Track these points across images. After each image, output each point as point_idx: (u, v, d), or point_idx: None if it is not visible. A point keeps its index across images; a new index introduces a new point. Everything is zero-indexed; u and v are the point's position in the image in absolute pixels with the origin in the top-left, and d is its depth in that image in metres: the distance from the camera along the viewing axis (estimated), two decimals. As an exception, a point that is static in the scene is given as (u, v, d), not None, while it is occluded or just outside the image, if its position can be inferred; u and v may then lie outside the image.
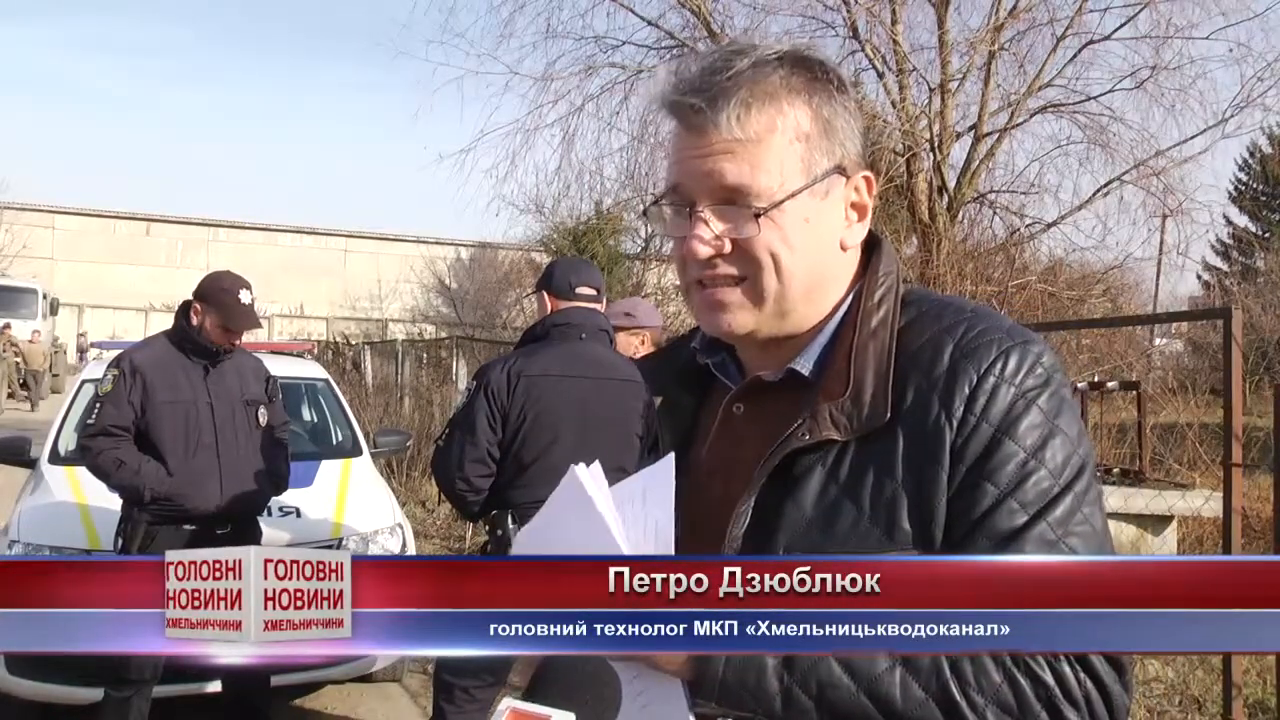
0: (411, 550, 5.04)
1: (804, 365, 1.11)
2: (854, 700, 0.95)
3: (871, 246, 1.16)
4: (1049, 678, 0.95)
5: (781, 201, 1.05)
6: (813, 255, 1.08)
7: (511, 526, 3.21)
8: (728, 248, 1.07)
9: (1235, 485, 3.30)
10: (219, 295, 3.85)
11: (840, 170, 1.09)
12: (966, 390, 1.01)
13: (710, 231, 1.06)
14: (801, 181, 1.06)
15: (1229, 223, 29.73)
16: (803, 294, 1.09)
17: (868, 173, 1.13)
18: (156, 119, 75.97)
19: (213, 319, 3.87)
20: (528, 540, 1.13)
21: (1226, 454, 3.33)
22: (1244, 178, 32.22)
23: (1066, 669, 0.95)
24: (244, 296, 3.87)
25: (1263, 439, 5.00)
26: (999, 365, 1.02)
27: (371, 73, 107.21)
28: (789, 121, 1.06)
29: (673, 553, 1.02)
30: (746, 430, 1.14)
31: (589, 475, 1.06)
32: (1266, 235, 27.66)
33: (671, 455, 1.08)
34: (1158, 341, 13.25)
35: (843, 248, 1.12)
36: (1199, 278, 26.24)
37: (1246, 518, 4.46)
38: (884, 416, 1.03)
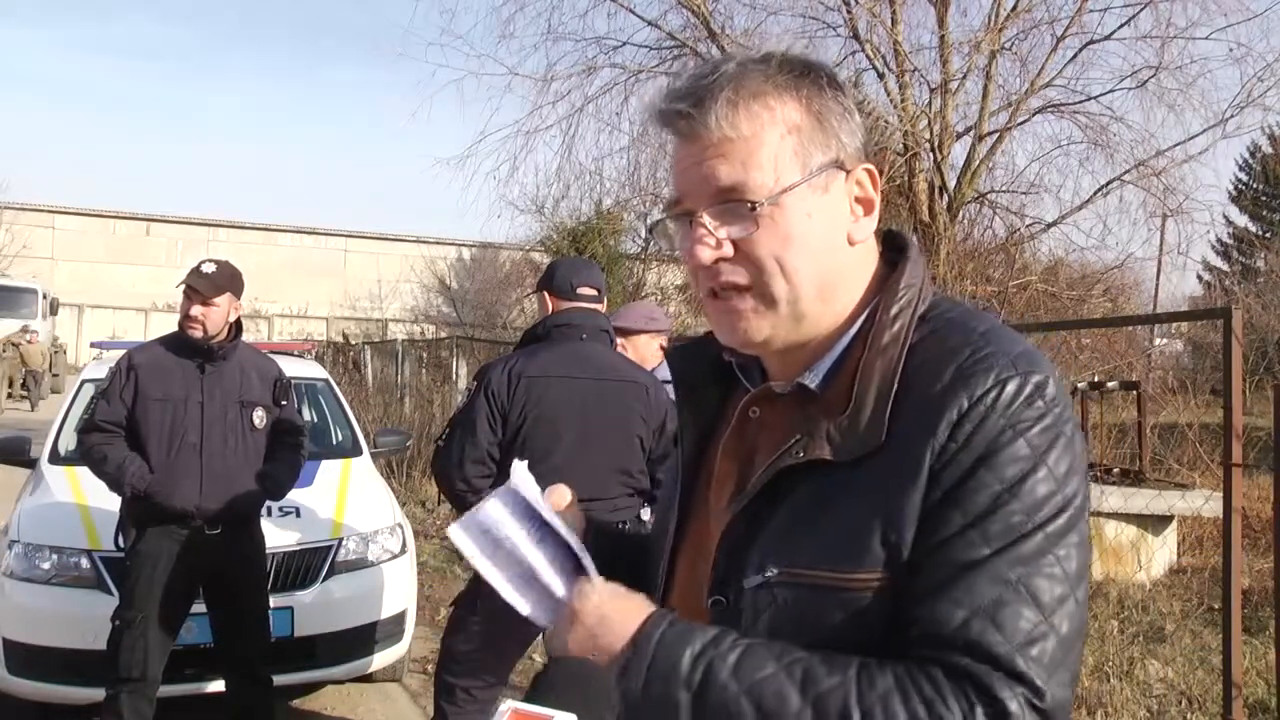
0: (411, 550, 5.03)
1: (812, 379, 1.09)
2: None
3: (902, 255, 1.13)
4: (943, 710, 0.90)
5: (779, 195, 1.03)
6: (819, 252, 1.06)
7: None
8: (728, 250, 1.05)
9: (1235, 485, 3.29)
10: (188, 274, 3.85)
11: (838, 165, 1.07)
12: (954, 417, 0.97)
13: (708, 232, 1.05)
14: (798, 176, 1.04)
15: (1229, 223, 29.81)
16: (816, 294, 1.07)
17: (869, 165, 1.10)
18: (156, 119, 75.81)
19: (182, 300, 3.84)
20: (486, 528, 1.09)
21: (1226, 453, 3.32)
22: (1244, 178, 32.22)
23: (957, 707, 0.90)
24: (205, 267, 3.85)
25: (1263, 439, 4.99)
26: (993, 394, 0.97)
27: (373, 72, 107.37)
28: (778, 116, 1.05)
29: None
30: (758, 437, 1.13)
31: (522, 471, 1.10)
32: (1267, 235, 27.64)
33: (521, 464, 1.11)
34: (1158, 341, 13.24)
35: (850, 242, 1.09)
36: (1199, 278, 26.26)
37: (1246, 517, 4.47)
38: (879, 440, 1.00)
